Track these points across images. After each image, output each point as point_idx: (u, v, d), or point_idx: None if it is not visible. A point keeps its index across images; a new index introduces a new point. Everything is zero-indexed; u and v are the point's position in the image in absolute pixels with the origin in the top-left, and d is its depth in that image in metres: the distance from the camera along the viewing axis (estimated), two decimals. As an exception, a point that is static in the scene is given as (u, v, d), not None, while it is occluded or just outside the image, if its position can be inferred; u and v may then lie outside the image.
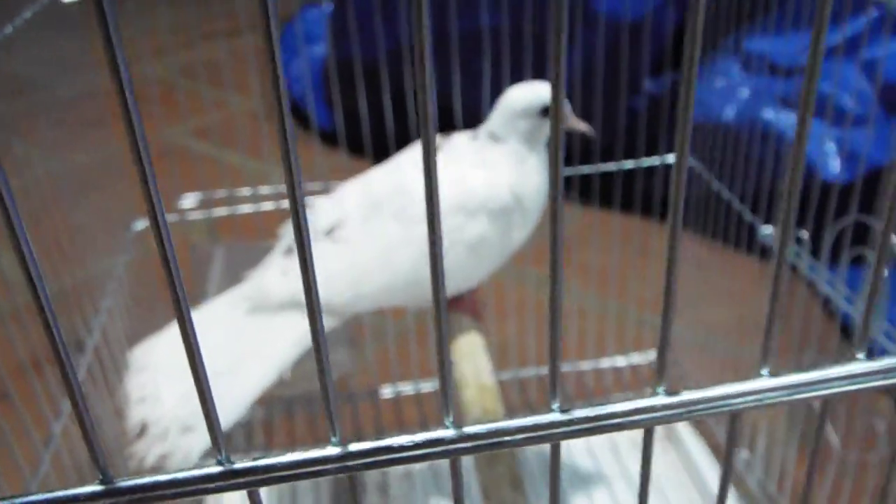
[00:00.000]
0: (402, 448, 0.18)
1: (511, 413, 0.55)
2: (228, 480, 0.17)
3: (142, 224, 0.82)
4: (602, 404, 0.18)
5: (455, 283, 0.66)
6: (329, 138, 0.87)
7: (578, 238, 0.85)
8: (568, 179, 0.83)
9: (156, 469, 0.34)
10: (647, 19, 1.08)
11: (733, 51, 1.22)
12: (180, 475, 0.17)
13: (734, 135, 0.82)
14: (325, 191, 0.84)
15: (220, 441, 0.18)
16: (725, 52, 1.25)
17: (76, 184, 0.68)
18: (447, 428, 0.18)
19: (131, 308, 0.75)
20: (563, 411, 0.18)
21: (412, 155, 0.68)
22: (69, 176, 0.67)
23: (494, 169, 0.64)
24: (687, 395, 0.18)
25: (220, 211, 0.85)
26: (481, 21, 1.15)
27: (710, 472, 0.82)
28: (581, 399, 0.94)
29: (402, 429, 0.91)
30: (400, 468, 0.88)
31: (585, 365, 0.95)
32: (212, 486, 0.17)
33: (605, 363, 0.95)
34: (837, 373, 0.19)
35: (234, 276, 0.69)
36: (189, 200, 0.85)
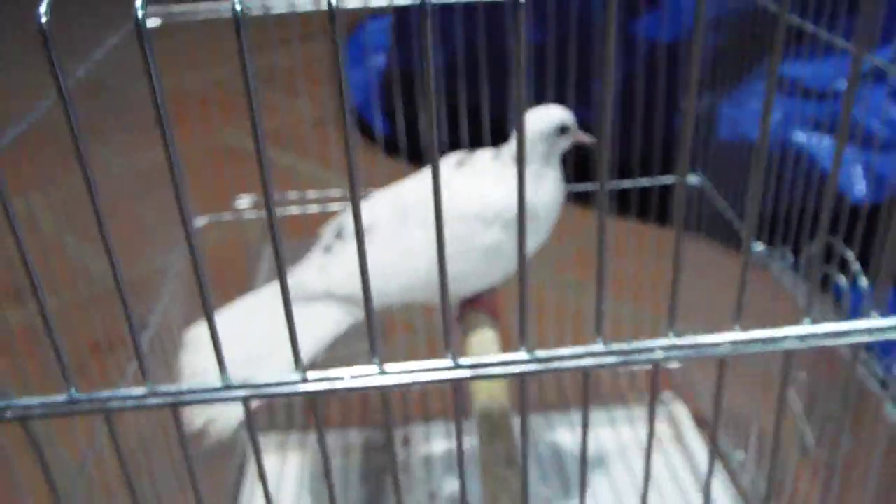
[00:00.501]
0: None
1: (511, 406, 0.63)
2: (229, 392, 0.25)
3: (201, 221, 0.91)
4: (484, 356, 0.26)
5: (471, 283, 0.74)
6: (392, 146, 0.95)
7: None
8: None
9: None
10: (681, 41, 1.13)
11: (768, 75, 1.26)
12: (197, 386, 0.26)
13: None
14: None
15: (224, 364, 0.26)
16: (760, 77, 1.29)
17: (142, 183, 0.76)
18: (375, 365, 0.26)
19: (188, 297, 0.84)
20: (454, 359, 0.25)
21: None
22: (135, 175, 0.76)
23: (514, 188, 0.71)
24: (542, 353, 0.25)
25: (272, 212, 0.94)
26: (507, 39, 1.22)
27: (715, 477, 0.87)
28: (595, 399, 1.00)
29: (428, 414, 1.00)
30: (442, 448, 0.95)
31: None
32: (216, 395, 0.26)
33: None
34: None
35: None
36: (244, 201, 0.95)
